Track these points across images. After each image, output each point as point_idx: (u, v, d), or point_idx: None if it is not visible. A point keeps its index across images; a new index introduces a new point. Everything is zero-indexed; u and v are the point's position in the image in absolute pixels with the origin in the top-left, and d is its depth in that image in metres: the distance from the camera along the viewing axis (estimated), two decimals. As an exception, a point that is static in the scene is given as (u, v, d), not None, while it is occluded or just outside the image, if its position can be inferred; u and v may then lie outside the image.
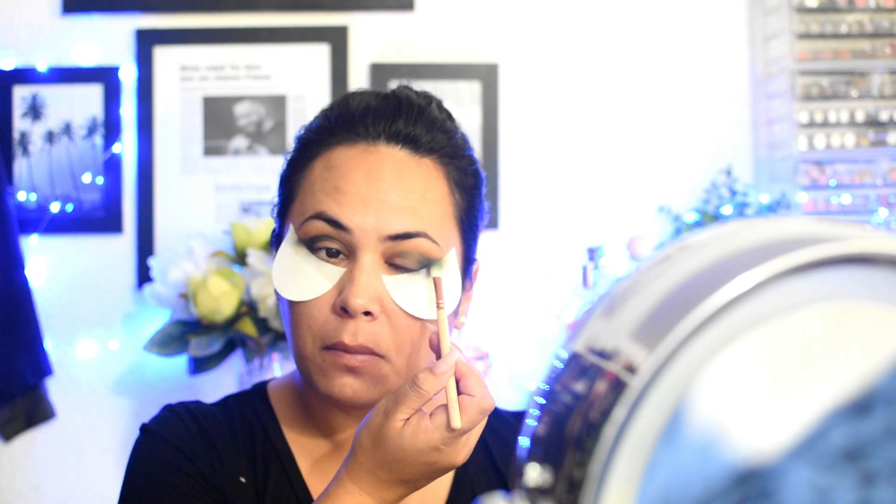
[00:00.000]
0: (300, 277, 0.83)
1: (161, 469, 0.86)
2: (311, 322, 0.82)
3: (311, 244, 0.84)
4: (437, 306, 0.81)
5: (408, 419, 0.75)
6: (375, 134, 0.86)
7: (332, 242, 0.83)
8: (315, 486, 0.89)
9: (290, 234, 0.85)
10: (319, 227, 0.83)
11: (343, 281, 0.82)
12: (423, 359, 0.86)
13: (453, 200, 0.87)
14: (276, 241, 0.91)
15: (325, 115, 0.90)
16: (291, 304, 0.84)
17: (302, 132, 0.91)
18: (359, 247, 0.82)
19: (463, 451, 0.76)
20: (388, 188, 0.83)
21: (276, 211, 0.92)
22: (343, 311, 0.81)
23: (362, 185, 0.83)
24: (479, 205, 0.91)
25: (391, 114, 0.86)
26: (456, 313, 0.88)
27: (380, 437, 0.75)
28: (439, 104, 0.91)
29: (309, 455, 0.91)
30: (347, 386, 0.82)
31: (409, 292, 0.83)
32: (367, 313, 0.81)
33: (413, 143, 0.86)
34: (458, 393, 0.76)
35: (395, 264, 0.83)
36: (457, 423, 0.74)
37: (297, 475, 0.89)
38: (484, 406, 0.75)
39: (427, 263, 0.83)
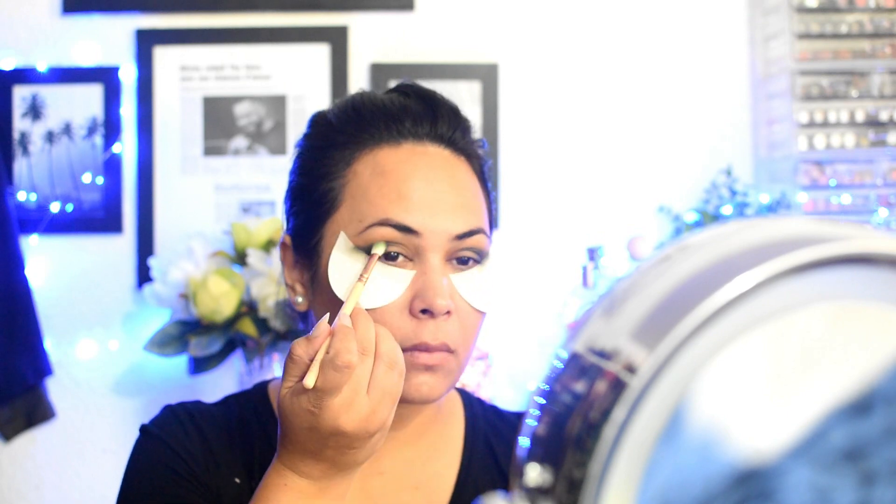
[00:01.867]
0: (368, 284, 0.82)
1: (156, 471, 0.86)
2: (387, 327, 0.81)
3: (371, 250, 0.83)
4: (359, 279, 0.81)
5: (291, 387, 0.75)
6: (421, 135, 0.86)
7: (396, 248, 0.83)
8: None
9: (343, 243, 0.83)
10: (386, 233, 0.82)
11: (416, 283, 0.82)
12: (474, 346, 0.88)
13: (483, 193, 0.90)
14: (300, 249, 0.89)
15: (356, 116, 0.88)
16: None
17: (327, 134, 0.88)
18: (428, 249, 0.82)
19: (345, 414, 0.73)
20: (445, 188, 0.84)
21: (292, 222, 0.90)
22: (423, 312, 0.81)
23: (423, 187, 0.83)
24: (494, 205, 0.94)
25: (433, 116, 0.87)
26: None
27: (280, 410, 0.76)
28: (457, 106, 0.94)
29: None
30: (424, 384, 0.83)
31: (473, 287, 0.85)
32: (447, 312, 0.82)
33: (453, 145, 0.88)
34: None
35: (455, 262, 0.85)
36: (308, 381, 0.73)
37: None
38: (337, 362, 0.73)
39: (482, 257, 0.86)
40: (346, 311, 0.78)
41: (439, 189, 0.84)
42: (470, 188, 0.87)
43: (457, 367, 0.85)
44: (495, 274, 0.87)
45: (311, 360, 0.74)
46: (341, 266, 0.83)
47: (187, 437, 0.89)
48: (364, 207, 0.83)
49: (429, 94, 0.90)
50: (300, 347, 0.74)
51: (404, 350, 0.82)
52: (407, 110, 0.87)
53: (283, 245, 0.91)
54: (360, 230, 0.83)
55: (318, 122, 0.91)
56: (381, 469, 0.90)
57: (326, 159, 0.87)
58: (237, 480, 0.88)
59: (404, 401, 0.83)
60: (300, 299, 0.90)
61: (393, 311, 0.82)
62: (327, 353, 0.74)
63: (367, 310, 0.82)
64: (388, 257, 0.83)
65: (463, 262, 0.84)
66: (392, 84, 0.94)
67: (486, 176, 0.92)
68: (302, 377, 0.74)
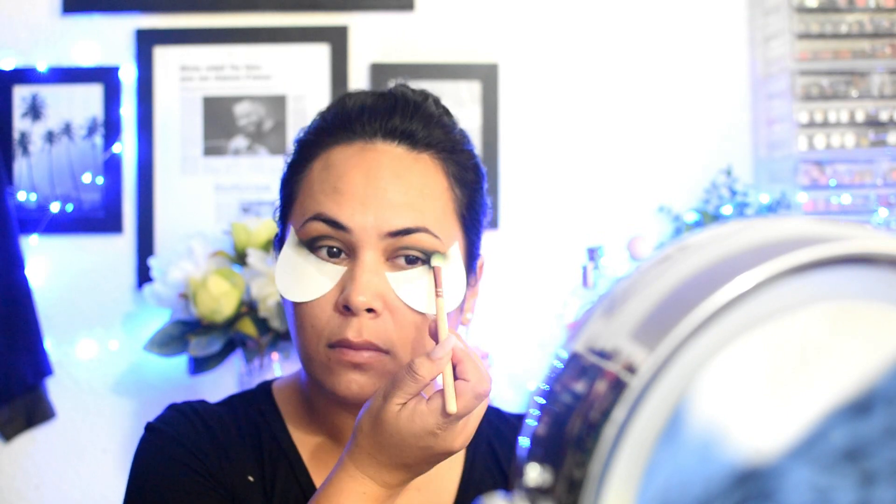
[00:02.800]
0: (302, 278, 0.83)
1: (168, 466, 0.86)
2: (314, 321, 0.83)
3: (311, 245, 0.84)
4: (436, 294, 0.81)
5: (405, 404, 0.75)
6: (372, 132, 0.86)
7: (332, 242, 0.83)
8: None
9: (291, 236, 0.86)
10: (319, 227, 0.83)
11: (345, 279, 0.82)
12: (422, 347, 0.86)
13: (453, 195, 0.87)
14: (278, 244, 0.91)
15: (322, 117, 0.90)
16: (295, 305, 0.84)
17: (300, 135, 0.91)
18: (359, 245, 0.82)
19: (460, 436, 0.76)
20: (386, 185, 0.83)
21: (277, 214, 0.92)
22: (346, 309, 0.81)
23: (360, 183, 0.83)
24: (480, 200, 0.91)
25: (387, 111, 0.87)
26: (461, 309, 0.88)
27: (378, 421, 0.76)
28: (436, 100, 0.91)
29: (315, 454, 0.91)
30: (354, 382, 0.82)
31: (412, 287, 0.83)
32: (370, 310, 0.81)
33: (410, 139, 0.86)
34: (455, 378, 0.76)
35: (397, 260, 0.83)
36: (452, 407, 0.74)
37: (304, 475, 0.89)
38: (479, 391, 0.75)
39: (429, 258, 0.84)
40: (442, 328, 0.79)
41: (378, 186, 0.83)
42: (423, 189, 0.84)
43: (397, 367, 0.83)
44: (449, 274, 0.84)
45: (433, 380, 0.76)
46: (287, 260, 0.85)
47: (196, 434, 0.88)
48: (307, 201, 0.85)
49: (395, 91, 0.90)
50: (424, 368, 0.75)
51: (330, 346, 0.83)
52: (363, 109, 0.87)
53: (276, 238, 0.94)
54: (300, 224, 0.85)
55: (311, 123, 0.92)
56: None
57: (297, 158, 0.90)
58: (251, 479, 0.87)
59: (339, 399, 0.85)
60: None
61: (323, 306, 0.82)
62: (458, 377, 0.76)
63: (296, 304, 0.84)
64: (330, 253, 0.83)
65: (410, 260, 0.83)
66: (392, 84, 0.94)
67: (463, 176, 0.89)
68: (416, 394, 0.76)
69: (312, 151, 0.88)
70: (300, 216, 0.85)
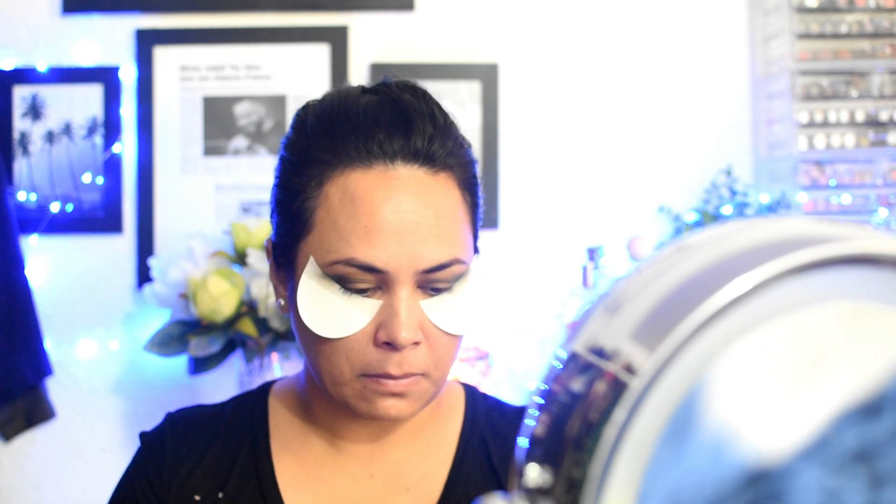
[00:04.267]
0: (334, 313, 0.81)
1: (124, 485, 0.95)
2: (349, 354, 0.81)
3: (341, 282, 0.81)
4: None
5: None
6: (392, 153, 0.81)
7: (365, 284, 0.80)
8: (296, 496, 0.89)
9: (313, 268, 0.82)
10: (352, 272, 0.80)
11: (382, 314, 0.80)
12: (453, 363, 0.86)
13: (465, 204, 0.85)
14: (279, 258, 0.88)
15: (328, 131, 0.83)
16: (329, 340, 0.82)
17: (303, 142, 0.85)
18: (395, 282, 0.80)
19: None
20: (414, 217, 0.80)
21: (275, 227, 0.88)
22: (387, 344, 0.80)
23: (391, 219, 0.79)
24: (479, 199, 0.90)
25: (405, 130, 0.82)
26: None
27: None
28: (438, 106, 0.87)
29: (300, 459, 0.91)
30: (392, 408, 0.82)
31: (446, 312, 0.82)
32: (415, 342, 0.80)
33: (430, 161, 0.82)
34: None
35: (427, 290, 0.82)
36: None
37: (273, 491, 0.89)
38: None
39: (457, 280, 0.83)
40: None
41: (407, 219, 0.79)
42: (447, 211, 0.82)
43: (431, 385, 0.83)
44: (471, 295, 0.83)
45: None
46: (309, 292, 0.81)
47: (163, 454, 0.93)
48: (333, 238, 0.80)
49: (405, 101, 0.84)
50: None
51: (368, 376, 0.81)
52: (379, 124, 0.82)
53: (268, 247, 0.90)
54: (327, 261, 0.80)
55: (298, 129, 0.86)
56: (373, 472, 0.90)
57: (301, 175, 0.83)
58: (197, 498, 0.89)
59: (375, 419, 0.83)
60: (282, 302, 0.89)
61: (360, 340, 0.80)
62: None
63: (331, 339, 0.81)
64: (357, 291, 0.80)
65: (436, 290, 0.82)
66: (386, 80, 0.90)
67: (470, 181, 0.86)
68: None
69: (323, 172, 0.82)
70: (325, 253, 0.81)
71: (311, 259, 0.82)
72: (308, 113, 0.86)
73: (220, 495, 0.88)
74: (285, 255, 0.86)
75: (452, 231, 0.82)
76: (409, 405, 0.82)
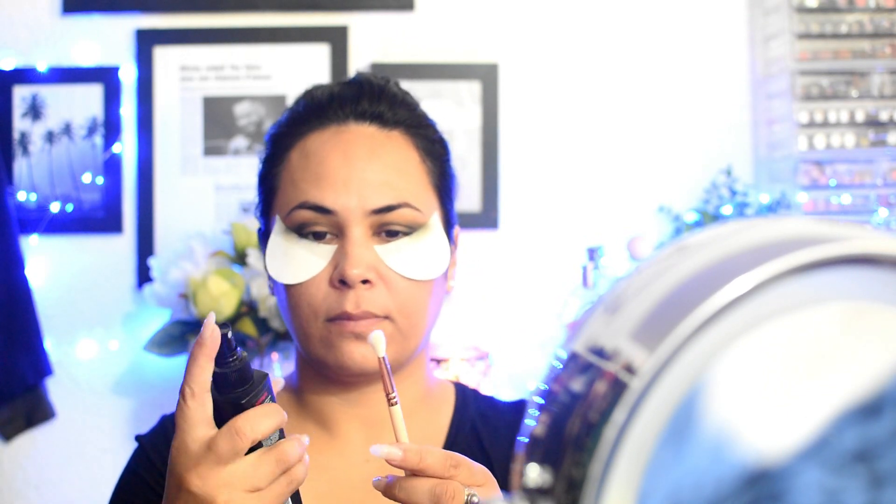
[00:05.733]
0: (294, 262, 0.87)
1: (131, 480, 0.94)
2: (310, 300, 0.86)
3: (299, 230, 0.87)
4: (389, 402, 0.75)
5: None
6: (344, 116, 0.90)
7: (319, 227, 0.87)
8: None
9: (278, 225, 0.89)
10: (306, 215, 0.87)
11: (337, 257, 0.86)
12: (425, 318, 0.90)
13: (426, 168, 0.92)
14: (263, 237, 0.95)
15: (293, 110, 0.94)
16: (289, 288, 0.87)
17: (272, 130, 0.95)
18: (346, 224, 0.86)
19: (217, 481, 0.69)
20: (364, 165, 0.87)
21: (259, 210, 0.96)
22: (341, 283, 0.85)
23: (340, 165, 0.87)
24: (449, 170, 0.96)
25: (354, 96, 0.91)
26: (445, 277, 0.93)
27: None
28: (396, 83, 0.96)
29: None
30: (356, 351, 0.86)
31: (402, 257, 0.87)
32: (364, 281, 0.85)
33: (379, 119, 0.91)
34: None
35: (382, 235, 0.88)
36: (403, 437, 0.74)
37: None
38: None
39: (413, 229, 0.88)
40: (403, 435, 0.75)
41: (356, 166, 0.87)
42: (397, 163, 0.89)
43: (397, 332, 0.87)
44: (429, 244, 0.89)
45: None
46: (275, 248, 0.88)
47: (159, 454, 0.93)
48: (290, 191, 0.89)
49: (362, 78, 0.94)
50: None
51: (331, 320, 0.85)
52: (334, 96, 0.92)
53: (258, 233, 0.97)
54: (286, 213, 0.88)
55: (278, 120, 0.96)
56: (368, 457, 0.91)
57: (271, 151, 0.93)
58: None
59: (343, 371, 0.87)
60: (271, 284, 0.95)
61: (318, 284, 0.86)
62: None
63: (290, 287, 0.87)
64: (317, 236, 0.87)
65: (392, 234, 0.88)
66: (354, 73, 0.99)
67: (432, 149, 0.93)
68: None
69: (287, 142, 0.92)
70: (285, 206, 0.89)
71: (276, 218, 0.90)
72: (286, 106, 0.96)
73: None
74: (266, 231, 0.93)
75: (403, 180, 0.89)
76: (371, 350, 0.84)
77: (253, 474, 0.68)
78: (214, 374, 0.71)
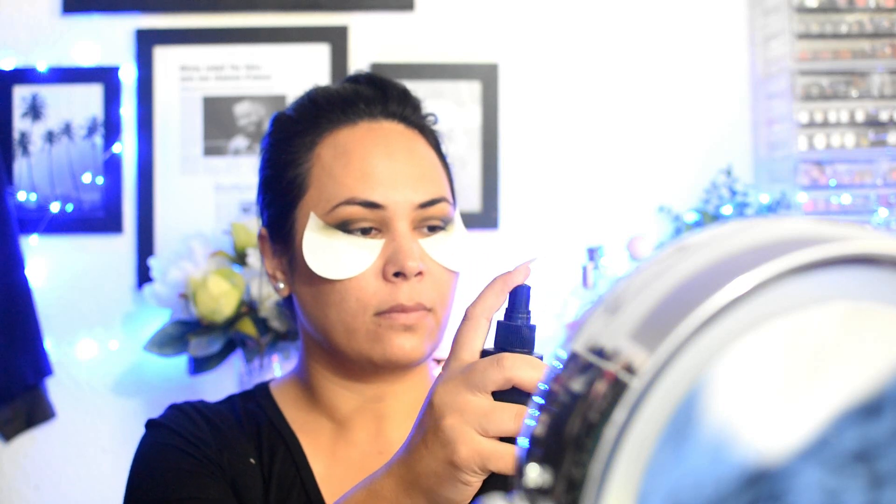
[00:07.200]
0: (341, 257, 0.87)
1: (167, 453, 0.88)
2: (360, 294, 0.86)
3: (344, 226, 0.88)
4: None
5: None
6: (376, 112, 0.92)
7: (366, 223, 0.87)
8: (319, 467, 0.92)
9: (314, 222, 0.88)
10: (354, 211, 0.87)
11: (387, 249, 0.87)
12: (451, 311, 0.92)
13: (443, 165, 0.95)
14: (275, 236, 0.93)
15: (313, 106, 0.93)
16: (333, 283, 0.87)
17: (287, 125, 0.93)
18: (393, 219, 0.87)
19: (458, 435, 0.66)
20: (404, 160, 0.89)
21: (273, 209, 0.94)
22: (396, 276, 0.86)
23: (383, 161, 0.88)
24: (451, 173, 0.99)
25: (382, 97, 0.93)
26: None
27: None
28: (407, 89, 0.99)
29: (313, 437, 0.94)
30: (407, 342, 0.87)
31: (443, 249, 0.90)
32: (418, 273, 0.86)
33: (405, 120, 0.93)
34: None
35: (422, 230, 0.89)
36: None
37: (301, 456, 0.92)
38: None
39: (446, 223, 0.91)
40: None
41: (399, 161, 0.89)
42: (428, 159, 0.92)
43: (436, 325, 0.89)
44: (461, 238, 0.92)
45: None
46: (314, 243, 0.88)
47: (195, 425, 0.91)
48: (330, 187, 0.88)
49: (378, 78, 0.96)
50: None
51: (382, 313, 0.86)
52: (359, 94, 0.92)
53: (261, 237, 0.96)
54: (328, 209, 0.88)
55: (279, 120, 0.96)
56: (380, 449, 0.93)
57: (290, 149, 0.92)
58: (252, 461, 0.90)
59: (390, 363, 0.87)
60: (281, 285, 0.94)
61: (368, 278, 0.86)
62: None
63: (341, 280, 0.87)
64: (363, 231, 0.87)
65: (431, 228, 0.90)
66: (354, 73, 0.99)
67: (440, 147, 0.97)
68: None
69: (310, 139, 0.91)
70: (325, 202, 0.88)
71: (312, 214, 0.89)
72: (284, 110, 0.96)
73: (252, 461, 0.90)
74: (281, 230, 0.92)
75: (436, 174, 0.92)
76: (419, 342, 0.87)
77: (488, 415, 0.65)
78: (499, 325, 0.69)
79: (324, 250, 0.87)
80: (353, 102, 0.92)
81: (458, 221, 0.93)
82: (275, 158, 0.93)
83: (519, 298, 0.70)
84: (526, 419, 0.63)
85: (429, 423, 0.67)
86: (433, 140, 0.96)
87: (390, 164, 0.88)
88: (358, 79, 0.96)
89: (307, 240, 0.88)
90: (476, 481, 0.66)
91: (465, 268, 0.92)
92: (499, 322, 0.70)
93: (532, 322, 0.70)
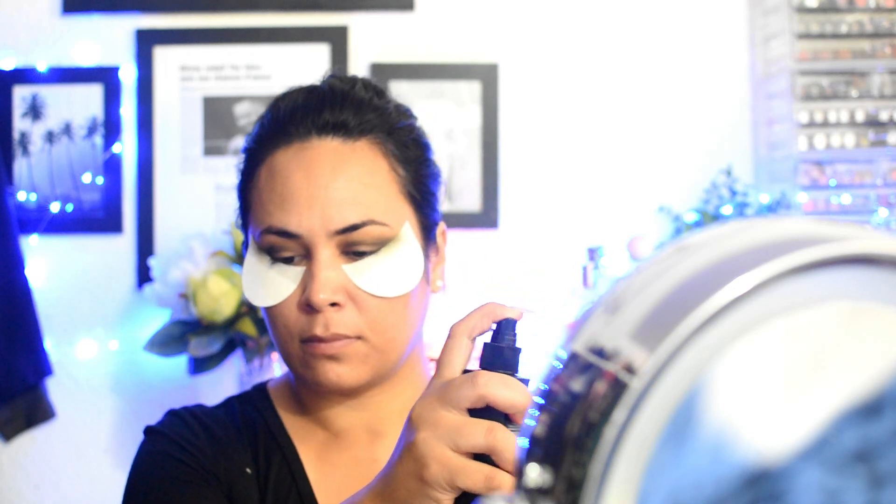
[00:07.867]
0: (266, 283, 0.87)
1: (164, 461, 0.88)
2: (285, 321, 0.86)
3: (270, 253, 0.87)
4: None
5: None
6: (306, 131, 0.87)
7: (287, 251, 0.86)
8: (315, 475, 0.91)
9: (252, 246, 0.89)
10: (272, 239, 0.86)
11: (305, 279, 0.85)
12: (403, 330, 0.88)
13: (396, 176, 0.88)
14: (245, 249, 0.94)
15: (261, 123, 0.92)
16: (267, 308, 0.88)
17: (246, 143, 0.94)
18: (312, 246, 0.85)
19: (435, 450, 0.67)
20: (326, 183, 0.85)
21: (239, 221, 0.96)
22: (309, 307, 0.84)
23: (302, 186, 0.85)
24: (427, 171, 0.92)
25: (316, 106, 0.88)
26: (428, 280, 0.91)
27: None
28: (366, 84, 0.92)
29: (310, 445, 0.93)
30: (331, 371, 0.85)
31: (371, 275, 0.85)
32: (332, 304, 0.84)
33: (343, 130, 0.87)
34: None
35: (350, 254, 0.86)
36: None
37: (297, 464, 0.91)
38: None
39: (382, 244, 0.86)
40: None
41: (319, 185, 0.85)
42: (362, 176, 0.86)
43: (371, 350, 0.86)
44: (402, 258, 0.86)
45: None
46: (249, 267, 0.88)
47: (193, 434, 0.91)
48: (259, 212, 0.88)
49: (322, 85, 0.91)
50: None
51: (304, 342, 0.85)
52: (295, 109, 0.89)
53: (243, 246, 0.96)
54: (256, 235, 0.88)
55: (256, 126, 0.94)
56: (375, 456, 0.92)
57: (245, 166, 0.93)
58: (248, 471, 0.90)
59: (323, 388, 0.87)
60: None
61: (290, 306, 0.85)
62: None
63: (271, 309, 0.86)
64: (285, 261, 0.86)
65: (358, 254, 0.86)
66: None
67: (404, 153, 0.89)
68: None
69: (257, 158, 0.90)
70: (257, 225, 0.88)
71: (251, 237, 0.89)
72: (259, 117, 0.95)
73: (248, 471, 0.90)
74: (245, 243, 0.93)
75: (369, 195, 0.86)
76: (349, 370, 0.85)
77: (459, 429, 0.65)
78: (485, 346, 0.70)
79: (255, 275, 0.88)
80: (289, 119, 0.88)
81: (404, 238, 0.87)
82: (239, 173, 0.95)
83: (506, 323, 0.70)
84: (498, 435, 0.65)
85: (406, 438, 0.68)
86: (391, 148, 0.89)
87: (308, 187, 0.85)
88: (313, 86, 0.91)
89: (247, 263, 0.89)
90: (446, 499, 0.66)
91: (402, 290, 0.86)
92: (484, 343, 0.70)
93: (518, 345, 0.70)
